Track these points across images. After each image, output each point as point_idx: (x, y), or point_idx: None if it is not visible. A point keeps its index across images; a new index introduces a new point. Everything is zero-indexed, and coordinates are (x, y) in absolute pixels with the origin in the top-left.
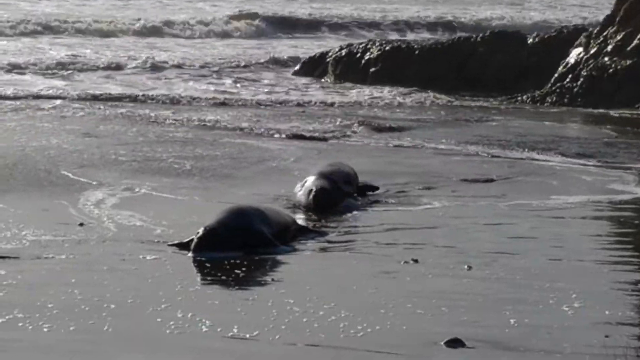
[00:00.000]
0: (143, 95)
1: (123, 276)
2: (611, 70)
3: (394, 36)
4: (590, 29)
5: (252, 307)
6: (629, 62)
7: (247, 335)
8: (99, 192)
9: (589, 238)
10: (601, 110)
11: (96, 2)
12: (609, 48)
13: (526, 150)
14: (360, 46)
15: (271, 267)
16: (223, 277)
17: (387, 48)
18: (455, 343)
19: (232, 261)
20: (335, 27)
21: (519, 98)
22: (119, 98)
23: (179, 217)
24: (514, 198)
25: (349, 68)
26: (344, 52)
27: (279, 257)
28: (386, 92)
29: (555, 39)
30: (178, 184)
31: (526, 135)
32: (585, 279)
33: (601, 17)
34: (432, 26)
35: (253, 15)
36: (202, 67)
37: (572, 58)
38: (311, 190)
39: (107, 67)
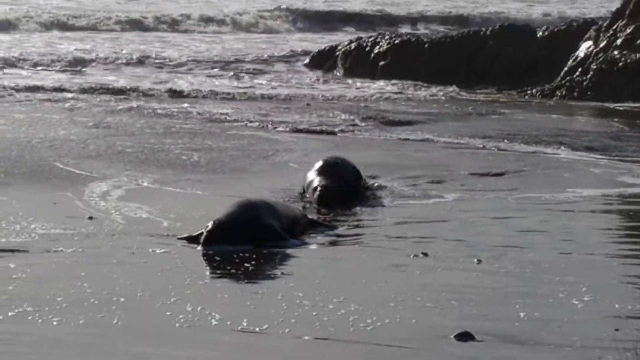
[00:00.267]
0: (150, 89)
1: (132, 269)
2: (621, 63)
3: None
4: (600, 23)
5: (261, 301)
6: (638, 55)
7: (257, 329)
8: (104, 184)
9: (598, 231)
10: (611, 104)
11: None
12: (619, 41)
13: (536, 143)
14: (370, 40)
15: (281, 261)
16: (232, 271)
17: (397, 42)
18: (465, 337)
19: (242, 255)
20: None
21: (529, 92)
22: (128, 91)
23: (186, 210)
24: (524, 191)
25: (358, 62)
26: (353, 45)
27: (289, 251)
28: (395, 86)
29: (564, 32)
30: (186, 177)
31: (535, 129)
32: (595, 273)
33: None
34: (444, 20)
35: (281, 10)
36: (214, 61)
37: (581, 51)
38: (316, 188)
39: (114, 61)
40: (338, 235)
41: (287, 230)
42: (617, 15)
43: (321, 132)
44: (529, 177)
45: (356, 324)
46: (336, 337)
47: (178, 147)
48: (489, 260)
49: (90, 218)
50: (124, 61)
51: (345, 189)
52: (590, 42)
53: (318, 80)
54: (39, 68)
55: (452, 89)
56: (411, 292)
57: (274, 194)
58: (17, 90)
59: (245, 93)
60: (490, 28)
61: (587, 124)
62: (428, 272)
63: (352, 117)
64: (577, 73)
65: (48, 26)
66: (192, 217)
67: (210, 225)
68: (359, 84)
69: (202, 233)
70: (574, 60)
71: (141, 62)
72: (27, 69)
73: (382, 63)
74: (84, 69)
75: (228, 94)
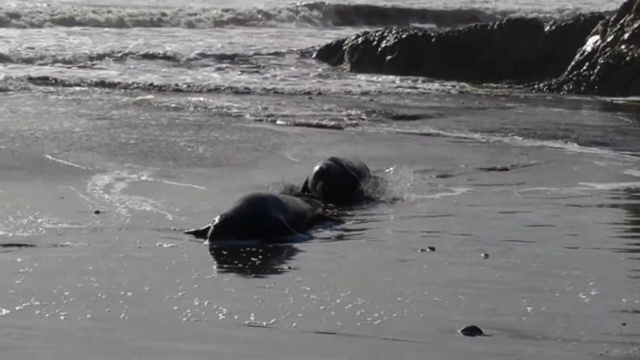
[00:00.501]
0: (157, 84)
1: (139, 264)
2: (628, 58)
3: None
4: (607, 17)
5: (268, 295)
6: None
7: (264, 323)
8: (106, 177)
9: (605, 226)
10: (618, 98)
11: None
12: (626, 36)
13: (542, 138)
14: (377, 34)
15: (288, 255)
16: (239, 265)
17: (404, 36)
18: (472, 331)
19: (249, 249)
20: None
21: (536, 86)
22: (136, 86)
23: (191, 203)
24: (530, 186)
25: (365, 56)
26: (360, 40)
27: (296, 245)
28: (402, 80)
29: (572, 26)
30: (191, 169)
31: (542, 123)
32: (602, 267)
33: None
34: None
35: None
36: (222, 55)
37: (588, 46)
38: (322, 184)
39: (121, 56)
40: (345, 230)
41: (294, 224)
42: (625, 9)
43: (328, 127)
44: (536, 171)
45: (363, 319)
46: (343, 332)
47: (183, 139)
48: (496, 255)
49: (97, 212)
50: (135, 56)
51: (348, 182)
52: (597, 37)
53: (325, 74)
54: (46, 62)
55: (458, 83)
56: (418, 286)
57: (277, 187)
58: (24, 83)
59: (250, 87)
60: (497, 22)
61: (594, 118)
62: (435, 266)
63: (358, 112)
64: (584, 67)
65: (57, 21)
66: (198, 211)
67: (217, 219)
68: (365, 79)
69: (209, 227)
70: (581, 55)
71: (151, 56)
72: (36, 63)
73: (389, 57)
74: (91, 63)
75: (234, 87)
